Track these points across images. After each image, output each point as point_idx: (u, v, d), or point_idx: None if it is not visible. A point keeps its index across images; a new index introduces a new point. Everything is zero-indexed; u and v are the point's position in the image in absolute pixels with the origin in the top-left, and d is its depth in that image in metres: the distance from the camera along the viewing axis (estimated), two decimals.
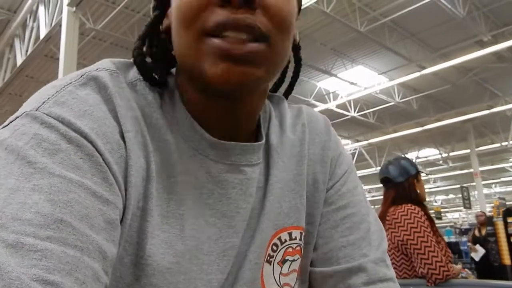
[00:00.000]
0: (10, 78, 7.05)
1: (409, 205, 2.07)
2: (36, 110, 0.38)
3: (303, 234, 0.55)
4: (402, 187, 2.19)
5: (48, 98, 0.39)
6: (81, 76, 0.42)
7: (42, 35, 5.74)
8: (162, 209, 0.44)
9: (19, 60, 6.55)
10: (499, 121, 11.47)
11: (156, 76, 0.49)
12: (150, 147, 0.44)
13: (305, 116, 0.60)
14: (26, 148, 0.35)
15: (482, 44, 7.93)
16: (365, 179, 18.17)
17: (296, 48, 0.56)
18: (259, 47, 0.42)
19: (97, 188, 0.37)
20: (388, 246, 2.12)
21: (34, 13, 6.21)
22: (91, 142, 0.38)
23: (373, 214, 0.59)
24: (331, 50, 8.27)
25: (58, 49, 4.93)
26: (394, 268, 2.07)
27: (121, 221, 0.40)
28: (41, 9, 5.86)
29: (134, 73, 0.48)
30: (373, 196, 22.65)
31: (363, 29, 7.19)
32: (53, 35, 5.49)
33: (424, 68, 8.63)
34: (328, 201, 0.57)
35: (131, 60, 0.49)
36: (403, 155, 14.25)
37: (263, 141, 0.53)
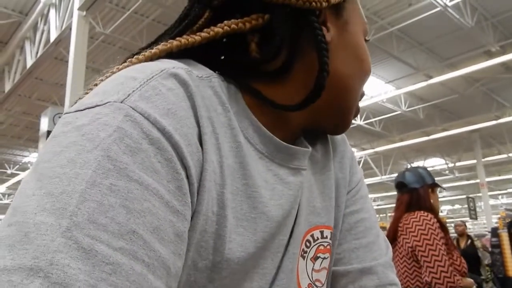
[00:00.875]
0: (20, 80, 7.12)
1: (423, 212, 2.05)
2: (122, 102, 0.36)
3: (332, 234, 0.57)
4: (417, 193, 2.18)
5: (133, 91, 0.37)
6: (162, 71, 0.40)
7: (52, 38, 5.81)
8: (237, 212, 0.43)
9: (29, 62, 6.63)
10: (506, 131, 11.40)
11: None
12: (222, 149, 0.43)
13: None
14: (108, 141, 0.33)
15: (490, 55, 7.91)
16: (370, 187, 18.08)
17: None
18: None
19: (170, 198, 0.35)
20: (400, 253, 2.10)
21: (45, 16, 6.28)
22: (174, 144, 0.36)
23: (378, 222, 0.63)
24: None
25: (68, 52, 4.98)
26: (406, 276, 2.06)
27: (191, 227, 0.39)
28: (52, 12, 5.94)
29: (206, 70, 0.47)
30: (378, 205, 22.52)
31: (371, 37, 7.18)
32: (63, 38, 5.55)
33: (431, 77, 8.61)
34: (346, 203, 0.60)
35: (187, 60, 0.47)
36: (409, 165, 14.18)
37: (310, 148, 0.54)
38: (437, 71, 8.60)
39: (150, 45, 0.48)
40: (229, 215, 0.42)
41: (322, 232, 0.55)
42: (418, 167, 2.39)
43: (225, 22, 0.47)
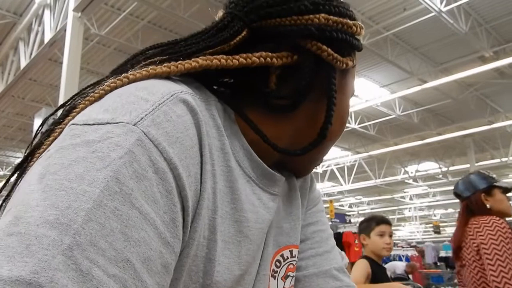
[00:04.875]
0: (13, 81, 7.07)
1: (494, 217, 1.99)
2: (135, 125, 0.35)
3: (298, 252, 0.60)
4: (469, 201, 2.14)
5: (146, 115, 0.36)
6: (172, 96, 0.39)
7: (46, 39, 5.78)
8: (224, 235, 0.44)
9: (23, 63, 6.59)
10: (500, 136, 11.48)
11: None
12: (216, 175, 0.43)
13: None
14: (119, 162, 0.33)
15: (484, 60, 7.97)
16: (365, 191, 18.13)
17: None
18: None
19: (163, 229, 0.35)
20: (468, 254, 2.01)
21: (39, 17, 6.25)
22: (176, 176, 0.36)
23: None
24: None
25: (62, 53, 4.95)
26: (474, 282, 1.96)
27: (185, 254, 0.40)
28: (47, 13, 5.91)
29: (202, 91, 0.47)
30: (372, 209, 22.58)
31: (365, 42, 7.23)
32: (58, 39, 5.52)
33: (425, 82, 8.66)
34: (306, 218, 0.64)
35: (187, 78, 0.47)
36: (403, 169, 14.23)
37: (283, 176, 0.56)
38: (431, 76, 8.65)
39: (172, 45, 0.48)
40: (218, 239, 0.43)
41: (291, 252, 0.58)
42: (473, 172, 2.31)
43: (262, 53, 0.48)
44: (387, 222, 2.47)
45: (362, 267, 2.27)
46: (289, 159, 0.55)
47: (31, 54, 6.39)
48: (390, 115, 10.59)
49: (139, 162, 0.34)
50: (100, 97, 0.41)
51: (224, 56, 0.47)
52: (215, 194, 0.43)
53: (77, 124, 0.36)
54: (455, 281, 4.03)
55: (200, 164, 0.40)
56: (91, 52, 7.45)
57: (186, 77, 0.47)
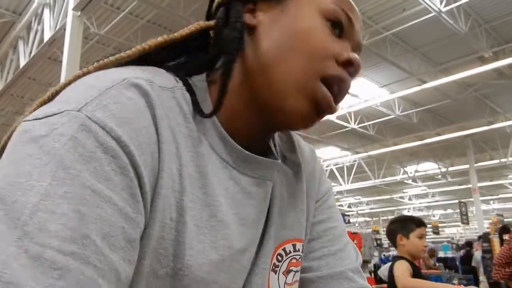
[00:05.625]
0: (12, 80, 7.06)
1: None
2: (78, 111, 0.36)
3: (304, 246, 0.58)
4: None
5: (91, 100, 0.38)
6: (123, 80, 0.41)
7: (46, 38, 5.77)
8: (197, 220, 0.44)
9: (22, 62, 6.58)
10: (499, 137, 11.49)
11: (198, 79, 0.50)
12: (182, 158, 0.43)
13: (296, 140, 0.62)
14: (62, 151, 0.34)
15: (483, 60, 7.98)
16: (364, 191, 18.14)
17: None
18: (337, 108, 0.50)
19: (123, 205, 0.36)
20: None
21: (39, 16, 6.25)
22: (128, 153, 0.37)
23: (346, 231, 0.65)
24: None
25: (62, 52, 4.95)
26: None
27: (146, 235, 0.40)
28: (46, 12, 5.90)
29: (170, 80, 0.47)
30: (371, 209, 22.59)
31: (365, 41, 7.23)
32: (57, 38, 5.51)
33: (425, 82, 8.67)
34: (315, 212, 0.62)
35: (158, 68, 0.48)
36: (402, 169, 14.25)
37: (280, 160, 0.54)
38: (431, 76, 8.66)
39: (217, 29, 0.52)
40: (189, 222, 0.43)
41: (294, 246, 0.56)
42: None
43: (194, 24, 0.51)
44: (426, 225, 2.51)
45: (406, 266, 2.29)
46: (264, 115, 0.50)
47: (30, 53, 6.38)
48: (390, 115, 10.59)
49: (84, 146, 0.35)
50: (57, 93, 0.43)
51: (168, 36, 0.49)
52: (181, 177, 0.43)
53: (27, 120, 0.38)
54: (454, 281, 4.02)
55: (158, 143, 0.41)
56: (90, 51, 7.45)
57: (158, 69, 0.48)
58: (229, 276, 0.47)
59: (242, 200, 0.49)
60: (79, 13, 4.84)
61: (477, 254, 7.04)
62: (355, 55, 0.49)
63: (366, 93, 9.63)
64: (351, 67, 0.49)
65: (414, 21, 6.86)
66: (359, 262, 0.61)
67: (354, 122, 10.99)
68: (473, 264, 7.02)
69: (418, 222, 2.45)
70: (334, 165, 14.84)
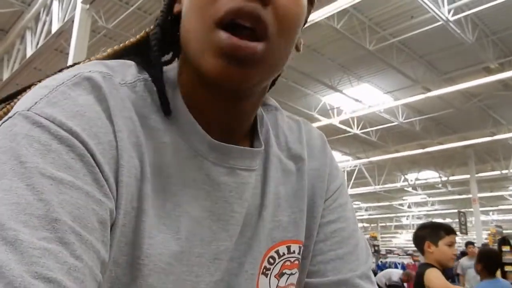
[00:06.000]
0: (18, 69, 7.08)
1: None
2: (28, 110, 0.38)
3: (302, 248, 0.55)
4: None
5: (40, 99, 0.39)
6: (74, 76, 0.42)
7: (54, 30, 5.79)
8: (159, 210, 0.44)
9: (29, 52, 6.60)
10: (501, 148, 11.48)
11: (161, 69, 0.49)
12: (144, 147, 0.44)
13: (304, 131, 0.60)
14: (18, 148, 0.36)
15: (489, 71, 7.97)
16: (364, 196, 18.11)
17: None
18: (258, 46, 0.42)
19: (89, 188, 0.37)
20: None
21: (47, 7, 6.27)
22: (82, 142, 0.38)
23: (360, 231, 0.60)
24: (338, 65, 8.31)
25: (69, 44, 4.96)
26: None
27: (113, 221, 0.40)
28: (55, 3, 5.92)
29: (133, 73, 0.47)
30: (369, 215, 22.55)
31: (371, 47, 7.24)
32: (65, 30, 5.53)
33: (429, 90, 8.66)
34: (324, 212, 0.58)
35: (126, 61, 0.49)
36: (403, 176, 14.23)
37: (262, 148, 0.52)
38: (436, 85, 8.64)
39: (159, 25, 0.53)
40: (149, 210, 0.43)
41: (289, 248, 0.53)
42: None
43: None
44: (455, 232, 2.41)
45: (439, 274, 2.21)
46: (203, 83, 0.47)
47: (37, 43, 6.40)
48: (393, 122, 10.58)
49: (38, 140, 0.36)
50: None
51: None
52: (143, 166, 0.43)
53: None
54: None
55: (114, 133, 0.41)
56: (97, 45, 7.46)
57: (128, 63, 0.49)
58: (188, 269, 0.46)
59: (211, 191, 0.48)
60: (87, 6, 4.85)
61: (464, 260, 6.69)
62: None
63: (370, 99, 9.62)
64: None
65: (421, 29, 6.85)
66: (369, 265, 0.57)
67: (357, 128, 10.98)
68: (458, 271, 6.67)
69: (448, 229, 2.35)
70: None
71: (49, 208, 0.33)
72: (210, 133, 0.48)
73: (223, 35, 0.41)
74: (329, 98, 9.89)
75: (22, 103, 0.40)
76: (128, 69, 0.48)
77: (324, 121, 10.23)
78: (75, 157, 0.37)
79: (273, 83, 0.58)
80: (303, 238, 0.55)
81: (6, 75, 7.53)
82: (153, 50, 0.49)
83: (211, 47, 0.42)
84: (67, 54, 4.89)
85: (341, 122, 10.58)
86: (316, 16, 5.92)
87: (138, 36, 0.51)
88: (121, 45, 0.51)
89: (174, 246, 0.44)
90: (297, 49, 0.52)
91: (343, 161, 14.12)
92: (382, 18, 6.94)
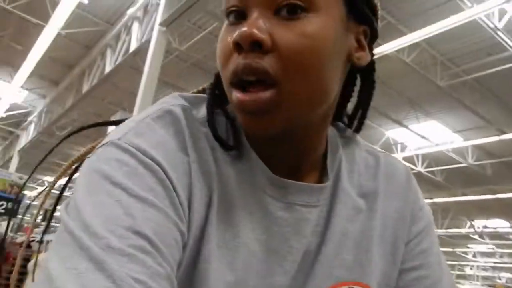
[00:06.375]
0: (97, 84, 7.61)
1: None
2: (119, 140, 0.43)
3: None
4: None
5: (129, 130, 0.45)
6: (158, 109, 0.47)
7: (132, 48, 6.18)
8: (219, 238, 0.46)
9: (108, 68, 7.08)
10: None
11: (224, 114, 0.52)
12: (214, 177, 0.47)
13: (383, 165, 0.58)
14: (110, 170, 0.41)
15: None
16: None
17: (365, 72, 0.54)
18: (266, 95, 0.43)
19: (168, 210, 0.40)
20: None
21: (128, 28, 6.71)
22: (162, 169, 0.42)
23: (447, 277, 0.56)
24: (405, 100, 8.06)
25: (144, 62, 5.26)
26: None
27: (184, 244, 0.43)
28: (135, 25, 6.33)
29: (217, 113, 0.51)
30: None
31: (442, 83, 6.96)
32: (142, 49, 5.88)
33: (504, 133, 8.12)
34: (408, 254, 0.55)
35: (204, 95, 0.52)
36: (469, 222, 13.35)
37: (327, 184, 0.52)
38: (511, 127, 8.11)
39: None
40: (211, 237, 0.45)
41: None
42: None
43: None
44: None
45: None
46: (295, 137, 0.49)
47: (116, 60, 6.85)
48: (461, 163, 10.01)
49: (127, 164, 0.41)
50: None
51: None
52: (212, 193, 0.46)
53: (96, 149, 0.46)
54: None
55: (188, 163, 0.45)
56: (169, 65, 7.84)
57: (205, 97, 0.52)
58: None
59: (269, 225, 0.48)
60: (164, 28, 5.13)
61: None
62: (237, 33, 0.43)
63: (437, 136, 9.21)
64: (241, 47, 0.43)
65: (498, 67, 6.50)
66: None
67: (421, 166, 10.52)
68: None
69: None
70: None
71: (135, 222, 0.37)
72: (272, 167, 0.49)
73: (235, 94, 0.45)
74: (393, 133, 9.59)
75: (114, 134, 0.45)
76: (203, 104, 0.51)
77: None
78: (157, 181, 0.41)
79: (352, 118, 0.58)
80: (371, 281, 0.52)
81: (85, 88, 8.10)
82: (208, 99, 0.51)
83: (233, 105, 0.47)
84: (141, 72, 5.18)
85: (405, 159, 10.18)
86: (386, 48, 5.83)
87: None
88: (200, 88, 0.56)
89: (228, 276, 0.46)
90: (356, 64, 0.50)
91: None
92: (456, 54, 6.67)
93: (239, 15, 0.45)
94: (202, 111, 0.50)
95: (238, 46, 0.43)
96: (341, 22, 0.46)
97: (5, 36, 8.01)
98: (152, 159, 0.42)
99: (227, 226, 0.47)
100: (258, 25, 0.42)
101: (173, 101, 0.49)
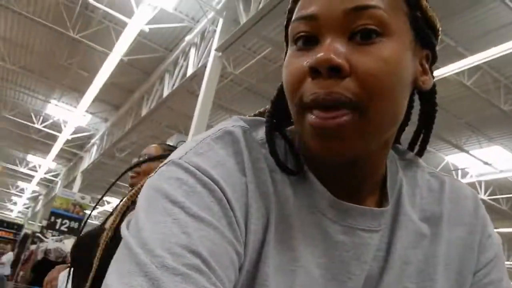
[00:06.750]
0: (155, 107, 7.95)
1: None
2: (179, 159, 0.44)
3: None
4: None
5: (190, 149, 0.46)
6: (218, 130, 0.48)
7: (188, 73, 6.43)
8: (276, 261, 0.45)
9: (165, 92, 7.38)
10: None
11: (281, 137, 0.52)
12: (272, 198, 0.47)
13: (449, 189, 0.55)
14: (169, 189, 0.42)
15: None
16: None
17: (427, 94, 0.54)
18: (347, 119, 0.42)
19: (224, 230, 0.40)
20: None
21: (185, 54, 6.99)
22: (220, 189, 0.42)
23: None
24: (465, 124, 7.71)
25: (199, 86, 5.44)
26: None
27: (240, 265, 0.43)
28: (192, 50, 6.59)
29: (264, 131, 0.51)
30: None
31: (506, 107, 6.60)
32: (198, 74, 6.10)
33: None
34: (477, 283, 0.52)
35: (262, 118, 0.52)
36: None
37: (387, 208, 0.50)
38: None
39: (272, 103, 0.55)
40: (269, 260, 0.45)
41: None
42: None
43: None
44: None
45: None
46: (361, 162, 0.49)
47: (173, 85, 7.14)
48: None
49: (186, 183, 0.42)
50: None
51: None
52: (269, 214, 0.46)
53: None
54: None
55: (246, 184, 0.45)
56: (223, 89, 8.04)
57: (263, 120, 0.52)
58: None
59: (328, 249, 0.47)
60: (220, 53, 5.31)
61: None
62: (314, 58, 0.42)
63: (501, 162, 8.67)
64: (318, 72, 0.42)
65: None
66: None
67: (484, 193, 9.92)
68: None
69: None
70: None
71: (190, 241, 0.38)
72: (332, 190, 0.48)
73: (312, 117, 0.43)
74: (453, 158, 9.16)
75: (176, 154, 0.46)
76: (262, 126, 0.51)
77: None
78: (214, 200, 0.41)
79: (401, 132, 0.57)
80: None
81: (144, 112, 8.48)
82: (267, 121, 0.51)
83: (306, 130, 0.45)
84: (197, 95, 5.35)
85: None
86: (445, 71, 5.64)
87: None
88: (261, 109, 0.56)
89: None
90: (419, 87, 0.50)
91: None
92: None
93: (309, 41, 0.45)
94: (260, 133, 0.50)
95: (315, 71, 0.42)
96: (410, 46, 0.46)
97: (74, 63, 8.60)
98: (211, 178, 0.42)
99: (285, 248, 0.46)
100: (336, 50, 0.42)
101: (233, 123, 0.50)
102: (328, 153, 0.44)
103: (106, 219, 1.91)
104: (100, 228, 1.76)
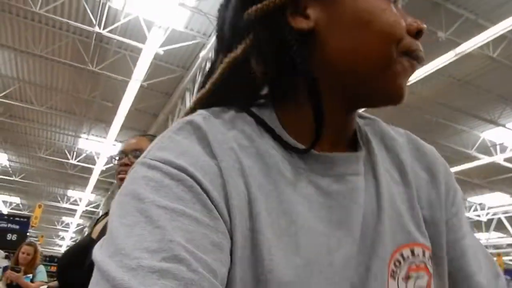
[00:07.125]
0: None
1: None
2: (144, 158, 0.46)
3: (429, 253, 0.53)
4: None
5: (153, 147, 0.47)
6: (178, 123, 0.49)
7: None
8: (275, 228, 0.46)
9: None
10: None
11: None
12: (249, 174, 0.47)
13: (408, 139, 0.61)
14: (137, 188, 0.42)
15: None
16: None
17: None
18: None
19: (198, 215, 0.41)
20: None
21: (202, 69, 7.07)
22: (190, 175, 0.43)
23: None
24: (497, 97, 7.43)
25: None
26: None
27: (232, 243, 0.43)
28: (208, 65, 6.64)
29: (231, 113, 0.52)
30: None
31: None
32: None
33: None
34: (453, 228, 0.57)
35: (222, 107, 0.53)
36: None
37: (363, 151, 0.54)
38: None
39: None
40: (264, 230, 0.45)
41: (412, 250, 0.52)
42: None
43: (224, 59, 0.53)
44: None
45: None
46: (350, 99, 0.53)
47: None
48: None
49: (153, 179, 0.43)
50: None
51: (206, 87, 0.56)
52: (250, 188, 0.46)
53: None
54: None
55: (217, 164, 0.45)
56: None
57: (224, 108, 0.53)
58: (323, 278, 0.46)
59: (325, 202, 0.49)
60: None
61: None
62: (422, 26, 0.50)
63: None
64: (420, 36, 0.50)
65: None
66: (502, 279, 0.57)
67: None
68: None
69: None
70: (502, 213, 12.94)
71: (165, 233, 0.38)
72: (315, 148, 0.50)
73: (406, 61, 0.50)
74: (489, 134, 8.83)
75: (141, 156, 0.47)
76: (226, 111, 0.52)
77: (485, 159, 9.11)
78: (184, 189, 0.42)
79: None
80: (426, 242, 0.54)
81: None
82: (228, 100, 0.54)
83: (398, 74, 0.50)
84: None
85: (507, 160, 9.28)
86: (467, 46, 5.47)
87: (202, 94, 0.57)
88: (191, 105, 0.58)
89: (297, 260, 0.45)
90: None
91: (508, 204, 12.27)
92: None
93: None
94: (226, 116, 0.51)
95: (420, 33, 0.50)
96: None
97: (97, 96, 8.85)
98: (178, 168, 0.43)
99: (280, 215, 0.47)
100: None
101: (195, 113, 0.51)
102: (404, 92, 0.51)
103: (93, 228, 1.90)
104: (90, 238, 1.75)
